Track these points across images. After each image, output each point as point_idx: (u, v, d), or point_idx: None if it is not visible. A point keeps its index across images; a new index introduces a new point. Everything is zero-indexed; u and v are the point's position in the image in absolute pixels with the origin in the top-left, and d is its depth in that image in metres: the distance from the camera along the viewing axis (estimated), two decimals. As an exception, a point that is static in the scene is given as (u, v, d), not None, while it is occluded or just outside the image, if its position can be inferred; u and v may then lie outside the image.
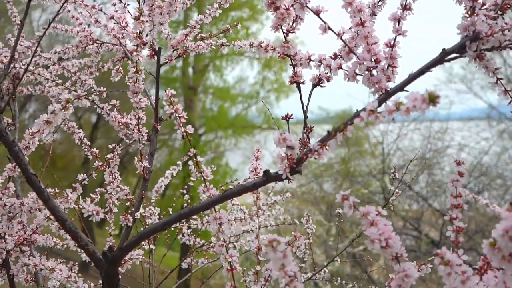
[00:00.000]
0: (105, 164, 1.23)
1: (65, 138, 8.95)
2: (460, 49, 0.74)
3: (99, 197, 1.33)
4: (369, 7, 0.92)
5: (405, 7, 0.82)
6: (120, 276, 1.00)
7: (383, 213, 0.68)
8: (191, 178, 1.79)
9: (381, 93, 0.80)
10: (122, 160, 1.27)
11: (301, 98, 0.93)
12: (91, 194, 1.29)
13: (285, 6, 0.85)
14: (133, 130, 1.26)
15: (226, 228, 0.91)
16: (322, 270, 1.75)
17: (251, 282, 1.02)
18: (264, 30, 10.91)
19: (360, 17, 0.82)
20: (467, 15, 0.74)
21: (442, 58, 0.75)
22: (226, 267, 0.92)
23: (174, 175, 1.99)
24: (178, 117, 0.93)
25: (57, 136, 1.62)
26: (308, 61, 0.92)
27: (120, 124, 1.28)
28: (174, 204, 1.91)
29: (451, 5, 0.80)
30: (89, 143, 1.38)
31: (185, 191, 1.96)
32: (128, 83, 1.16)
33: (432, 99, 0.59)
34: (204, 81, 11.51)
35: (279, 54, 0.95)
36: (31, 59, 1.21)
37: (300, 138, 0.91)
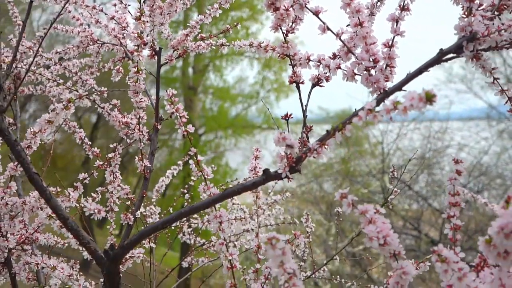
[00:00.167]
0: (106, 163, 1.24)
1: (65, 138, 8.97)
2: (457, 49, 0.75)
3: (100, 196, 1.34)
4: (368, 7, 0.93)
5: (403, 8, 0.83)
6: (121, 275, 1.01)
7: (381, 211, 0.69)
8: (192, 178, 1.80)
9: (379, 92, 0.81)
10: (122, 160, 1.28)
11: (300, 98, 0.94)
12: (92, 193, 1.29)
13: (285, 6, 0.86)
14: (134, 129, 1.26)
15: (226, 227, 0.91)
16: (322, 269, 1.76)
17: (251, 280, 1.03)
18: (264, 30, 10.93)
19: (358, 17, 0.83)
20: (464, 16, 0.75)
21: (440, 58, 0.76)
22: (226, 265, 0.93)
23: (175, 174, 2.00)
24: (179, 117, 0.94)
25: (57, 136, 1.63)
26: (307, 61, 0.93)
27: (121, 123, 1.29)
28: (174, 204, 1.92)
29: (448, 6, 0.81)
30: (90, 143, 1.39)
31: (185, 191, 1.97)
32: (129, 83, 1.17)
33: (429, 98, 0.60)
34: (204, 81, 11.52)
35: (278, 54, 0.96)
36: (33, 59, 1.22)
37: (299, 138, 0.92)
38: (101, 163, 1.23)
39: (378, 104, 0.77)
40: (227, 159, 11.56)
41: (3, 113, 0.96)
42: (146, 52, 1.33)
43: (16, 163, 1.11)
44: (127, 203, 1.33)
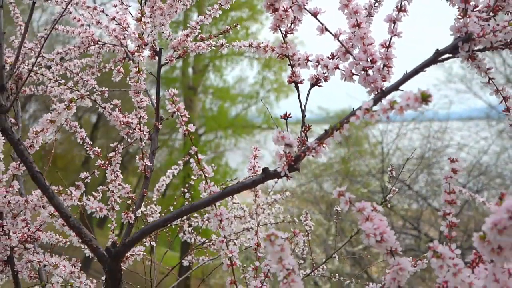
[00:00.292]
0: (107, 162, 1.26)
1: (65, 138, 8.98)
2: (452, 50, 0.76)
3: (101, 195, 1.35)
4: (366, 8, 0.95)
5: (400, 9, 0.84)
6: (122, 272, 1.03)
7: (379, 209, 0.70)
8: (192, 177, 1.81)
9: (376, 92, 0.83)
10: (122, 160, 1.29)
11: (299, 98, 0.95)
12: (93, 193, 1.31)
13: (284, 7, 0.88)
14: (135, 129, 1.28)
15: (226, 225, 0.93)
16: (321, 267, 1.77)
17: (251, 278, 1.04)
18: (264, 30, 10.94)
19: (356, 18, 0.85)
20: (459, 17, 0.76)
21: (436, 58, 0.77)
22: (226, 263, 0.94)
23: (175, 174, 2.01)
24: (180, 116, 0.95)
25: (57, 136, 1.64)
26: (306, 61, 0.95)
27: (122, 123, 1.31)
28: (175, 203, 1.93)
29: (445, 7, 0.83)
30: (91, 142, 1.41)
31: (185, 190, 1.98)
32: (130, 83, 1.18)
33: (425, 98, 0.62)
34: (204, 81, 11.53)
35: (278, 55, 0.97)
36: (36, 60, 1.23)
37: (298, 137, 0.93)
38: (103, 162, 1.25)
39: (375, 104, 0.79)
40: (227, 159, 11.58)
41: (6, 113, 0.98)
42: (146, 52, 1.34)
43: (18, 162, 1.12)
44: (128, 202, 1.35)
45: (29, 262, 1.17)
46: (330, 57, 0.93)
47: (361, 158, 8.98)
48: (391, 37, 0.84)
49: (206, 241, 1.92)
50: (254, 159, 1.15)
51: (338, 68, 0.91)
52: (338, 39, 0.87)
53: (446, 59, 0.78)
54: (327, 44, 0.98)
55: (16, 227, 1.18)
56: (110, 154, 1.25)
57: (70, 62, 1.61)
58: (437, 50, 0.78)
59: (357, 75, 0.86)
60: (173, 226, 1.90)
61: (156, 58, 1.38)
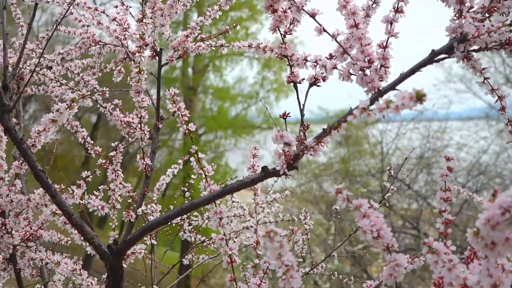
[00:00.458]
0: (108, 161, 1.27)
1: (65, 138, 9.00)
2: (448, 50, 0.78)
3: (102, 194, 1.37)
4: (363, 9, 0.96)
5: (397, 10, 0.85)
6: (123, 270, 1.04)
7: (375, 206, 0.72)
8: (192, 176, 1.83)
9: (374, 92, 0.84)
10: (122, 160, 1.31)
11: (297, 97, 0.97)
12: (94, 192, 1.32)
13: (283, 9, 0.89)
14: (136, 128, 1.29)
15: (226, 223, 0.94)
16: (320, 265, 1.79)
17: (251, 275, 1.06)
18: (264, 30, 10.96)
19: (354, 19, 0.86)
20: (455, 18, 0.78)
21: (431, 58, 0.79)
22: (226, 260, 0.96)
23: (175, 173, 2.02)
24: (180, 115, 0.97)
25: (58, 137, 1.65)
26: (304, 61, 0.96)
27: (123, 123, 1.32)
28: (175, 202, 1.95)
29: (442, 8, 0.84)
30: (92, 142, 1.42)
31: (186, 189, 1.99)
32: (131, 83, 1.20)
33: (419, 97, 0.63)
34: (204, 81, 11.55)
35: (277, 55, 0.98)
36: (39, 61, 1.25)
37: (297, 136, 0.94)
38: (104, 161, 1.26)
39: (372, 103, 0.80)
40: (227, 159, 11.60)
41: (9, 113, 0.99)
42: (147, 53, 1.36)
43: (21, 161, 1.14)
44: (128, 201, 1.36)
45: (31, 260, 1.18)
46: (328, 57, 0.94)
47: (361, 158, 9.00)
48: (388, 38, 0.85)
49: (206, 239, 1.94)
50: (253, 158, 1.16)
51: (336, 68, 0.92)
52: (336, 40, 0.89)
53: (442, 59, 0.80)
54: (327, 43, 1.00)
55: (19, 226, 1.20)
56: (111, 153, 1.27)
57: (71, 63, 1.63)
58: (433, 50, 0.79)
59: (355, 75, 0.87)
60: (174, 225, 1.92)
61: (157, 58, 1.40)
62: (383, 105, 0.67)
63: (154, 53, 1.40)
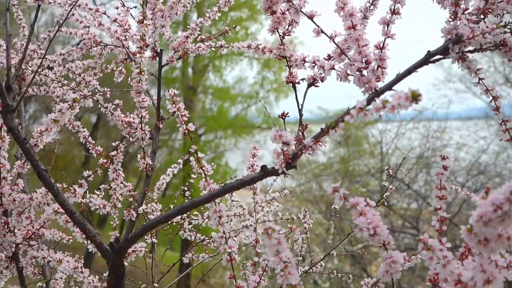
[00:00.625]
0: (109, 161, 1.29)
1: (65, 138, 9.01)
2: (443, 51, 0.79)
3: (103, 193, 1.38)
4: (361, 11, 0.98)
5: (394, 12, 0.87)
6: (125, 268, 1.05)
7: (372, 204, 0.73)
8: (192, 176, 1.84)
9: (371, 92, 0.85)
10: (122, 160, 1.32)
11: (296, 97, 0.98)
12: (95, 191, 1.34)
13: (281, 10, 0.91)
14: (136, 128, 1.31)
15: (225, 221, 0.95)
16: (319, 264, 1.80)
17: (250, 273, 1.07)
18: (263, 30, 10.97)
19: (351, 21, 0.88)
20: (450, 19, 0.79)
21: (427, 59, 0.80)
22: (226, 258, 0.97)
23: (175, 173, 2.04)
24: (180, 115, 0.98)
25: (59, 137, 1.67)
26: (303, 62, 0.97)
27: (124, 123, 1.34)
28: (175, 201, 1.96)
29: (437, 10, 0.85)
30: (94, 142, 1.44)
31: (186, 188, 2.01)
32: (131, 83, 1.21)
33: (415, 97, 0.64)
34: (204, 81, 11.57)
35: (276, 56, 1.00)
36: (41, 61, 1.26)
37: (295, 135, 0.96)
38: (105, 160, 1.28)
39: (369, 103, 0.82)
40: (227, 159, 11.62)
41: (12, 113, 1.00)
42: (148, 53, 1.37)
43: (23, 160, 1.15)
44: (129, 199, 1.38)
45: (33, 258, 1.20)
46: (326, 58, 0.96)
47: (361, 158, 9.02)
48: (385, 39, 0.86)
49: (206, 238, 1.95)
50: (253, 158, 1.18)
51: (334, 68, 0.94)
52: (333, 41, 0.90)
53: (438, 60, 0.81)
54: (327, 44, 1.01)
55: (21, 224, 1.21)
56: (112, 153, 1.28)
57: (73, 63, 1.64)
58: (428, 51, 0.81)
59: (352, 75, 0.89)
60: (174, 224, 1.93)
61: (157, 59, 1.41)
62: (379, 105, 0.68)
63: (155, 54, 1.41)
